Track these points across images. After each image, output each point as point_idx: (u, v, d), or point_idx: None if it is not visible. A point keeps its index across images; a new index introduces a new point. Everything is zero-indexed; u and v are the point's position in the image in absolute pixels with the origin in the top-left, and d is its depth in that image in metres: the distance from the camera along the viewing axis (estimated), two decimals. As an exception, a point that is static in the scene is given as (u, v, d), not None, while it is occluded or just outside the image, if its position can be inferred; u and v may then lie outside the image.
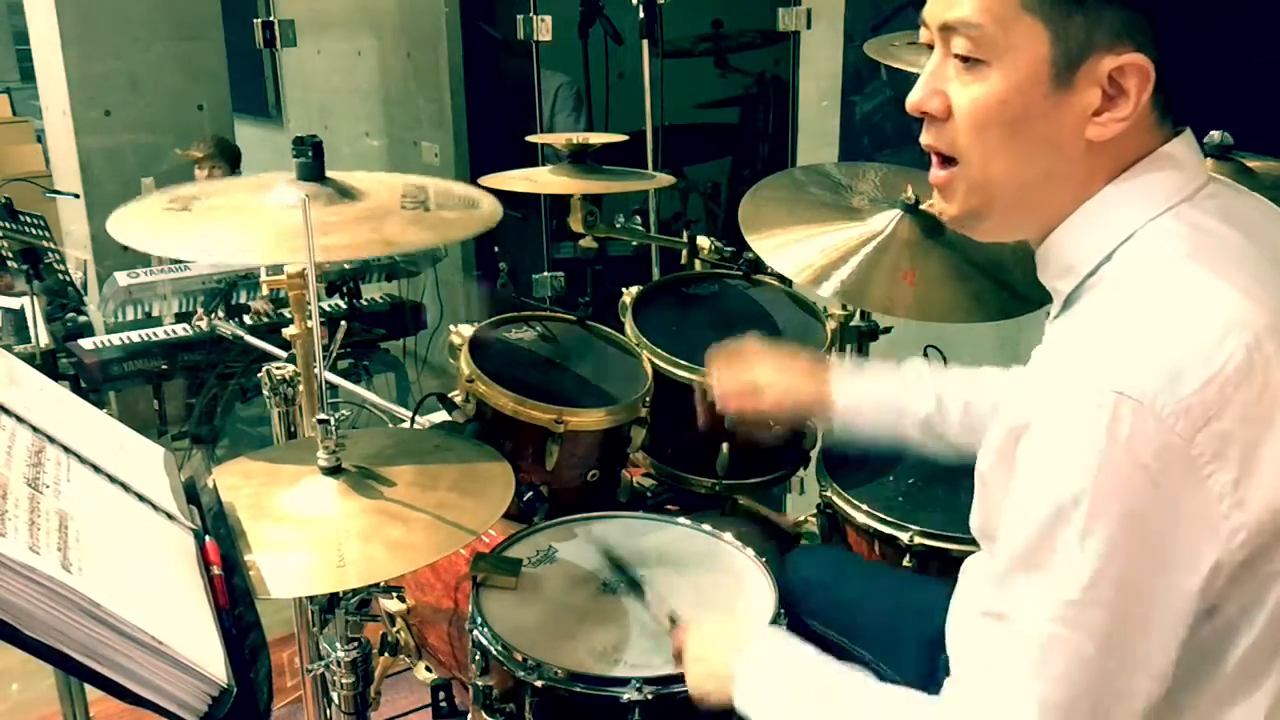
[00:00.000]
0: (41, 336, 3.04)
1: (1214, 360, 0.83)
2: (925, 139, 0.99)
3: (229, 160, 3.92)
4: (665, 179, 2.20)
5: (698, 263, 2.18)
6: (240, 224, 1.44)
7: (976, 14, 0.91)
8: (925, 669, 1.27)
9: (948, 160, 0.99)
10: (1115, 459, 0.82)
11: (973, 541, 1.13)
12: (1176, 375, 0.83)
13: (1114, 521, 0.83)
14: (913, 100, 0.98)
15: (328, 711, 1.68)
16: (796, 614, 1.43)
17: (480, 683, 1.39)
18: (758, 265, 2.03)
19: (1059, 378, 0.88)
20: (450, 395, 1.76)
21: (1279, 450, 0.84)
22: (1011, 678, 0.88)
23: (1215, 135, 1.85)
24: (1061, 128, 0.92)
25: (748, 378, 1.51)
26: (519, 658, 1.33)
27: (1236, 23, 0.92)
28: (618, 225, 2.10)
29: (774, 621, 1.37)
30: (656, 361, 1.88)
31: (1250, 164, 1.86)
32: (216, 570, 1.07)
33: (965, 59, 0.93)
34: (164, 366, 3.36)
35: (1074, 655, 0.85)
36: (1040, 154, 0.94)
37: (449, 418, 1.78)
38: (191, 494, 1.22)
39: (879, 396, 1.44)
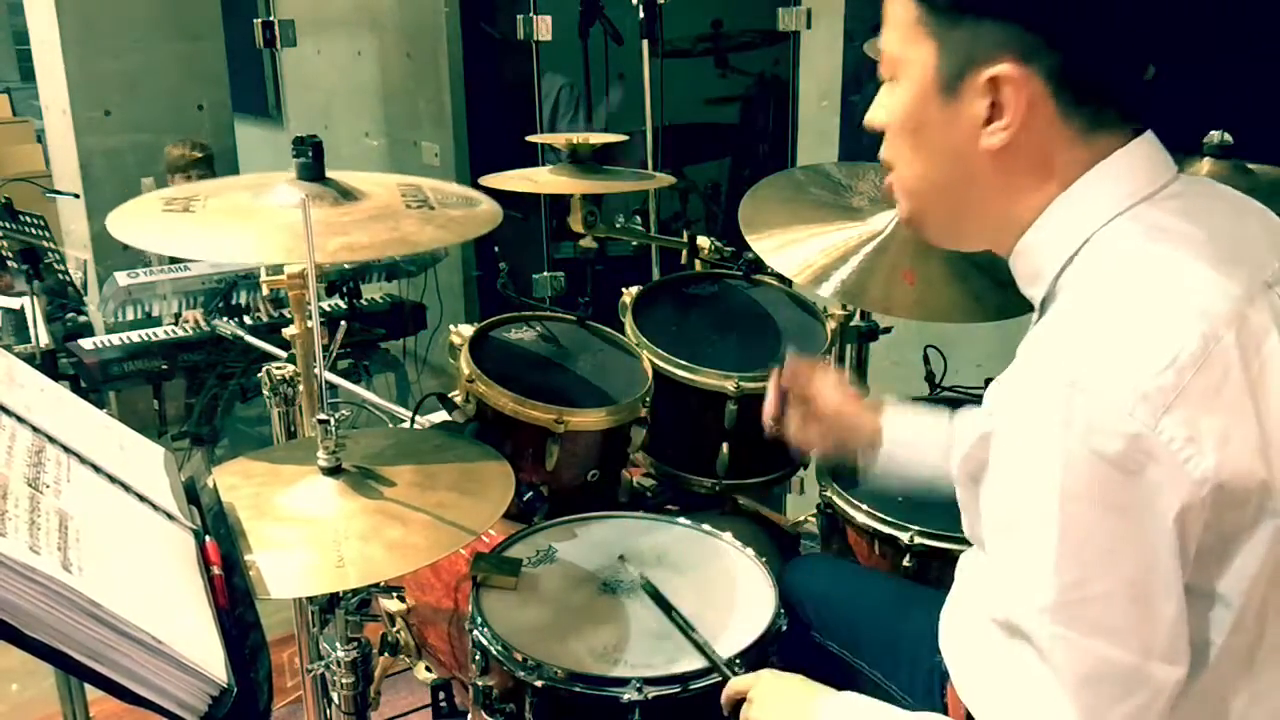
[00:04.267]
0: (41, 336, 3.03)
1: (1167, 348, 0.84)
2: (880, 151, 1.07)
3: (211, 168, 3.92)
4: (665, 179, 2.20)
5: (698, 263, 2.18)
6: (244, 225, 1.44)
7: (889, 39, 0.99)
8: (924, 678, 1.28)
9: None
10: (1077, 453, 0.82)
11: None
12: (1129, 364, 0.83)
13: (1090, 516, 0.83)
14: (866, 119, 1.06)
15: (328, 711, 1.68)
16: (796, 621, 1.43)
17: (480, 683, 1.39)
18: (758, 265, 2.03)
19: (1017, 379, 0.89)
20: (450, 395, 1.76)
21: (1251, 435, 0.85)
22: (1039, 692, 0.88)
23: (1215, 135, 1.85)
24: (957, 137, 0.96)
25: (809, 389, 1.47)
26: (519, 658, 1.33)
27: (1171, 27, 0.91)
28: (618, 225, 2.10)
29: (774, 622, 1.37)
30: (656, 361, 1.88)
31: (1250, 165, 1.86)
32: (216, 570, 1.07)
33: (889, 79, 1.01)
34: (164, 366, 3.36)
35: (1090, 656, 0.85)
36: (944, 161, 0.99)
37: (449, 418, 1.78)
38: (191, 494, 1.22)
39: (927, 432, 1.39)
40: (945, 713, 1.14)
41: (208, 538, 1.12)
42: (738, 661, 1.32)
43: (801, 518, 2.07)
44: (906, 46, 0.97)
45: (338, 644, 1.51)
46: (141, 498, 1.10)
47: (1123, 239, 0.93)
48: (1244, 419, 0.85)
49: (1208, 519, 0.84)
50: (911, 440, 1.38)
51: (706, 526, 1.62)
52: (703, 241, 2.16)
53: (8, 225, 3.39)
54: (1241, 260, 0.93)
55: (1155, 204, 0.94)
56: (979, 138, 0.94)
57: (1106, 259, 0.92)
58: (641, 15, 2.78)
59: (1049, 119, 0.93)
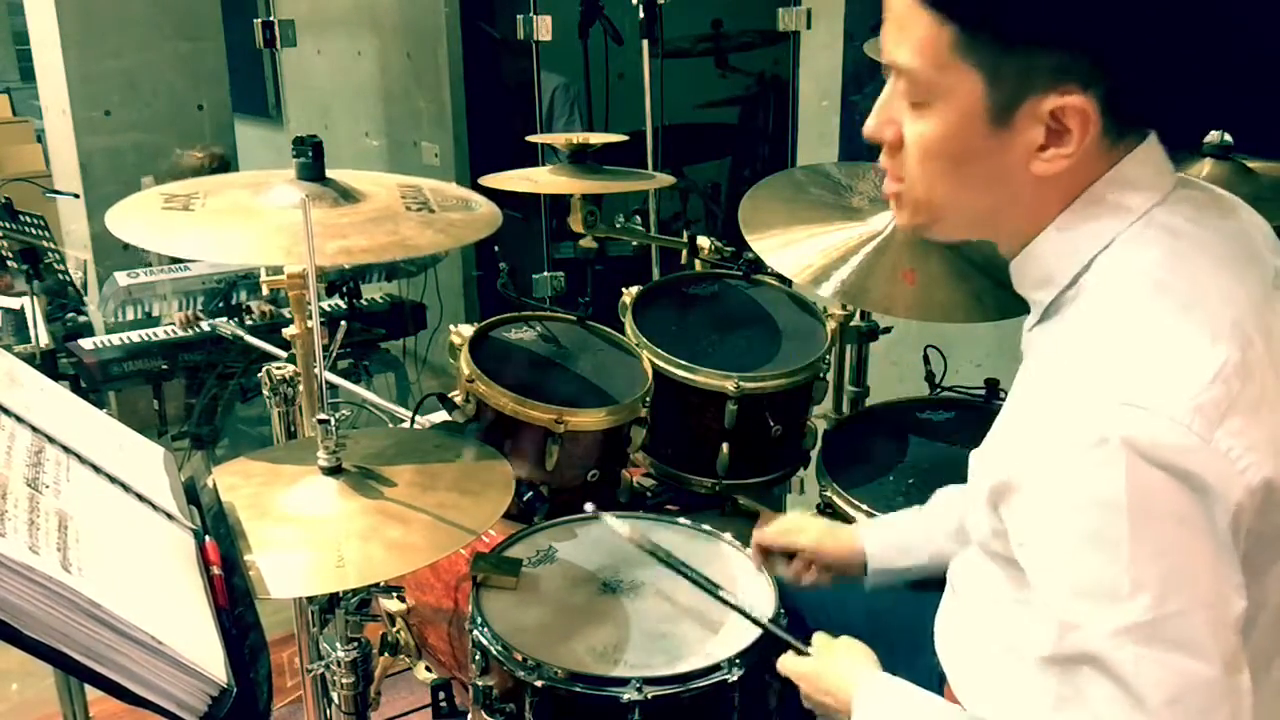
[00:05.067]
0: (41, 336, 3.04)
1: (1213, 359, 0.84)
2: (881, 161, 1.03)
3: (223, 170, 3.93)
4: (665, 179, 2.20)
5: (698, 263, 2.18)
6: (244, 225, 1.44)
7: (912, 59, 0.93)
8: (922, 679, 1.28)
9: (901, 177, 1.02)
10: (1140, 471, 0.81)
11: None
12: (1179, 378, 0.83)
13: (1162, 533, 0.82)
14: (867, 130, 1.01)
15: (328, 711, 1.68)
16: (796, 622, 1.43)
17: (480, 683, 1.39)
18: (758, 265, 2.03)
19: (1057, 402, 0.88)
20: (450, 395, 1.76)
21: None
22: (1115, 716, 0.85)
23: (1215, 135, 1.85)
24: (1005, 164, 0.93)
25: (791, 526, 1.49)
26: (519, 658, 1.33)
27: (1204, 43, 0.91)
28: (618, 225, 2.10)
29: (774, 621, 1.37)
30: (656, 361, 1.88)
31: (1250, 164, 1.87)
32: (216, 570, 1.07)
33: (914, 104, 0.96)
34: (164, 366, 3.36)
35: (1173, 671, 0.83)
36: (984, 187, 0.96)
37: (449, 418, 1.78)
38: (191, 494, 1.22)
39: (907, 542, 1.40)
40: None
41: (208, 538, 1.12)
42: (737, 661, 1.32)
43: (801, 518, 2.07)
44: (942, 73, 0.92)
45: (338, 644, 1.51)
46: (141, 498, 1.10)
47: (1143, 247, 0.92)
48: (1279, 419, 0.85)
49: (1252, 525, 0.84)
50: (895, 556, 1.40)
51: (706, 526, 1.62)
52: (703, 241, 2.16)
53: (8, 225, 3.39)
54: (1251, 261, 0.93)
55: (1167, 208, 0.94)
56: (1029, 163, 0.92)
57: (1131, 270, 0.92)
58: (641, 15, 2.78)
59: (1095, 141, 0.91)
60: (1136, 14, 0.87)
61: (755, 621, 1.34)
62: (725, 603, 1.38)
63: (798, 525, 1.49)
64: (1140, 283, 0.90)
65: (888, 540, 1.41)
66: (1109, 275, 0.93)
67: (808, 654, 1.25)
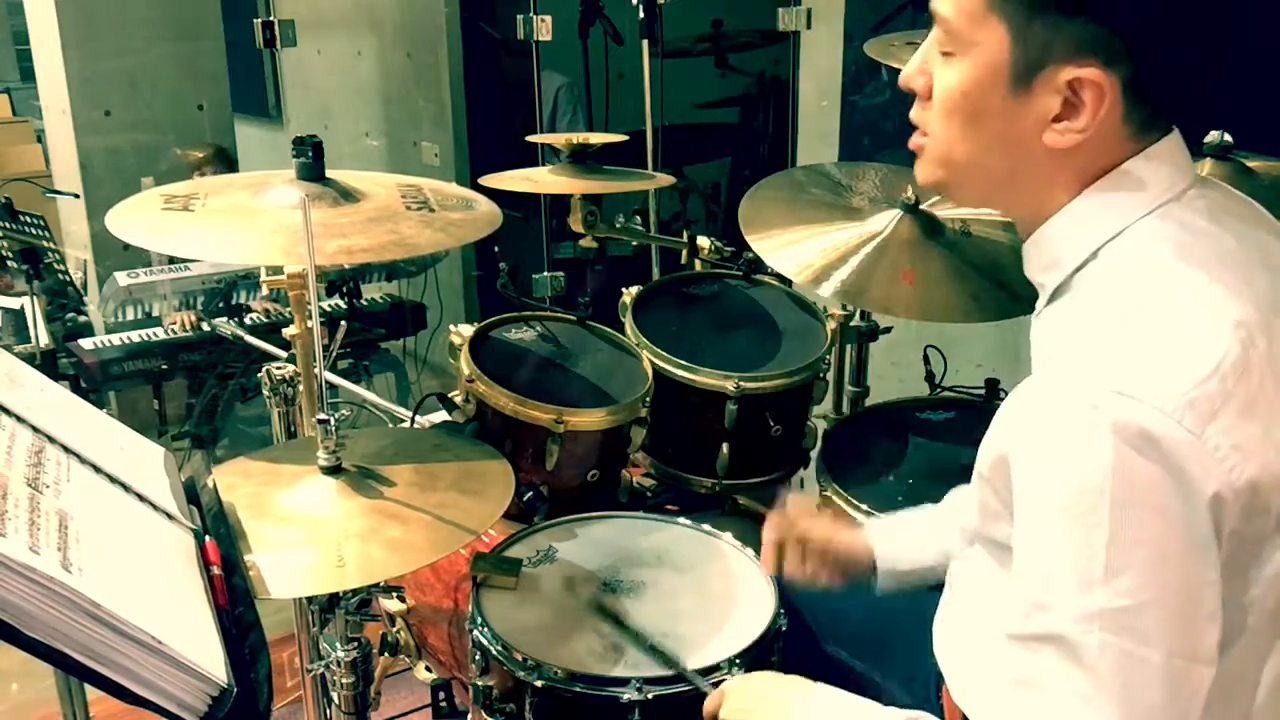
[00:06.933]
0: (41, 336, 3.04)
1: (1211, 355, 0.84)
2: (913, 114, 1.04)
3: (226, 164, 3.93)
4: (665, 179, 2.20)
5: (698, 263, 2.18)
6: (244, 225, 1.44)
7: (950, 8, 0.95)
8: (921, 680, 1.28)
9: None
10: (1127, 460, 0.81)
11: (972, 542, 1.13)
12: (1175, 371, 0.83)
13: (1140, 522, 0.82)
14: (902, 78, 1.03)
15: (328, 711, 1.68)
16: (796, 622, 1.43)
17: (480, 683, 1.39)
18: (758, 265, 2.03)
19: (1052, 386, 0.88)
20: (450, 395, 1.76)
21: None
22: (1081, 701, 0.85)
23: (1215, 135, 1.85)
24: (1019, 129, 0.94)
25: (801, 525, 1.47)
26: (519, 658, 1.33)
27: (1229, 40, 0.91)
28: (618, 225, 2.10)
29: (774, 622, 1.37)
30: (656, 361, 1.88)
31: (1250, 164, 1.87)
32: (216, 570, 1.07)
33: (945, 52, 0.97)
34: (164, 366, 3.37)
35: (1137, 662, 0.83)
36: (998, 148, 0.97)
37: (449, 418, 1.78)
38: (191, 494, 1.22)
39: (915, 540, 1.39)
40: (941, 715, 1.14)
41: (208, 538, 1.12)
42: (738, 661, 1.32)
43: (801, 518, 2.07)
44: (973, 26, 0.93)
45: (338, 644, 1.51)
46: (141, 498, 1.10)
47: (1154, 240, 0.92)
48: (1277, 423, 0.85)
49: (1235, 526, 0.84)
50: (901, 554, 1.38)
51: (706, 526, 1.62)
52: (703, 241, 2.16)
53: (8, 225, 3.39)
54: (1265, 265, 0.93)
55: (1183, 204, 0.94)
56: (1043, 133, 0.93)
57: (1139, 260, 0.92)
58: (641, 15, 2.78)
59: (1115, 123, 0.92)
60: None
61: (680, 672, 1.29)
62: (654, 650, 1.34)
63: (812, 513, 1.47)
64: (1146, 273, 0.90)
65: (897, 539, 1.40)
66: (1115, 263, 0.93)
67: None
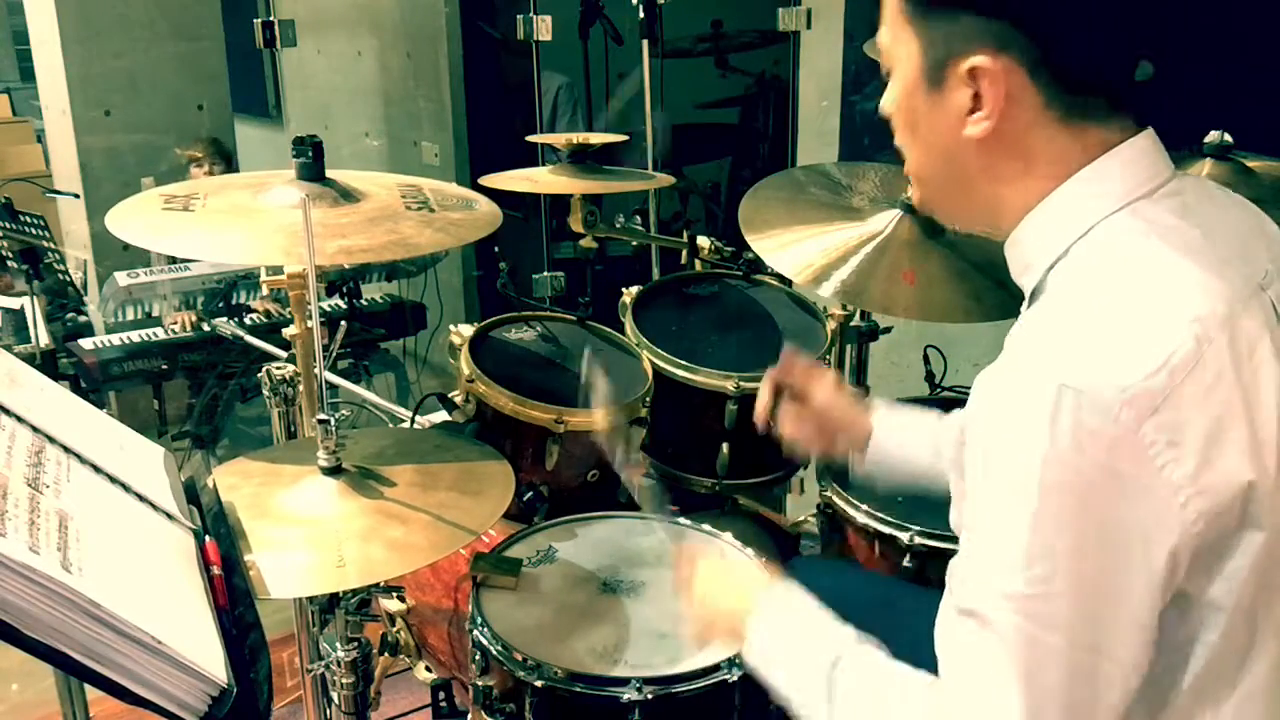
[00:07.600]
0: (41, 336, 3.04)
1: (1159, 349, 0.84)
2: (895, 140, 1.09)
3: (225, 159, 3.92)
4: (665, 179, 2.20)
5: (698, 263, 2.18)
6: (244, 225, 1.44)
7: (882, 32, 1.02)
8: None
9: None
10: (1060, 450, 0.82)
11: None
12: (1121, 364, 0.83)
13: (1064, 512, 0.83)
14: (880, 108, 1.07)
15: (328, 711, 1.68)
16: None
17: (480, 683, 1.39)
18: (758, 265, 2.03)
19: (1005, 373, 0.89)
20: (450, 395, 1.76)
21: (1241, 438, 0.85)
22: (989, 675, 0.89)
23: (1215, 135, 1.85)
24: (945, 126, 0.98)
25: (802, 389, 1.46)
26: (519, 658, 1.33)
27: (1163, 22, 0.92)
28: (618, 225, 2.10)
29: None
30: (656, 361, 1.88)
31: (1250, 164, 1.87)
32: (216, 570, 1.07)
33: (885, 72, 1.03)
34: (164, 366, 3.36)
35: (1043, 648, 0.86)
36: (936, 150, 1.01)
37: (449, 418, 1.78)
38: (191, 494, 1.22)
39: (916, 433, 1.39)
40: None
41: (208, 538, 1.12)
42: (737, 661, 1.32)
43: (801, 518, 2.07)
44: (896, 42, 1.00)
45: (338, 644, 1.51)
46: (141, 498, 1.10)
47: (1119, 236, 0.93)
48: (1235, 422, 0.85)
49: (1189, 522, 0.84)
50: (900, 441, 1.39)
51: (706, 526, 1.62)
52: (703, 241, 2.16)
53: (8, 225, 3.39)
54: (1236, 261, 0.93)
55: (1154, 201, 0.94)
56: (963, 127, 0.96)
57: (1101, 256, 0.93)
58: (641, 15, 2.78)
59: (1035, 109, 0.93)
60: None
61: None
62: None
63: (819, 377, 1.46)
64: (1106, 268, 0.91)
65: (895, 423, 1.40)
66: (1080, 261, 0.94)
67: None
